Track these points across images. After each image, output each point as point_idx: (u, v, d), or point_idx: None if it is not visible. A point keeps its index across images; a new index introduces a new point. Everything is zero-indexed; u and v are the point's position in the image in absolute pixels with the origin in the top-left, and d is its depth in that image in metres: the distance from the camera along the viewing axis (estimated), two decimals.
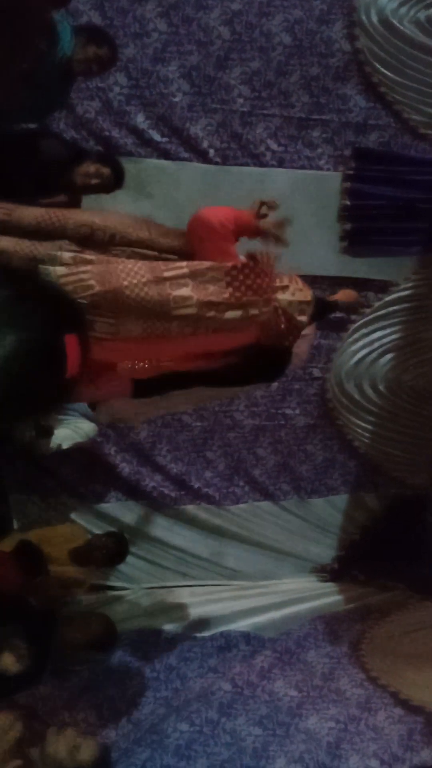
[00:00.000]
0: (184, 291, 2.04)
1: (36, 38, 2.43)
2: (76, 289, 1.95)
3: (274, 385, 3.99)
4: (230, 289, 2.11)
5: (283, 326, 2.21)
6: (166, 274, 2.05)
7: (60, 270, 2.00)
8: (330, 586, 4.43)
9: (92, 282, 1.97)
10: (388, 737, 3.09)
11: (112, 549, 3.39)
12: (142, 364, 2.13)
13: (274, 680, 3.23)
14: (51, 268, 2.00)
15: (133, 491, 4.02)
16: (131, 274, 2.02)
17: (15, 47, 2.04)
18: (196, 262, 2.12)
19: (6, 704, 2.57)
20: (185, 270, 2.07)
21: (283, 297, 2.23)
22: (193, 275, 2.07)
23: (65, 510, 3.90)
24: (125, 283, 2.00)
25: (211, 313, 2.06)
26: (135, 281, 2.01)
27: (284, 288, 2.25)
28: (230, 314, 2.10)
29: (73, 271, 2.00)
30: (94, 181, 3.05)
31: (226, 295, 2.09)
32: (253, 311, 2.13)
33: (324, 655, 3.56)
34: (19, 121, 2.87)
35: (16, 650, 2.58)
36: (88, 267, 2.02)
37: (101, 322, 1.98)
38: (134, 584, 4.08)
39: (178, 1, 3.40)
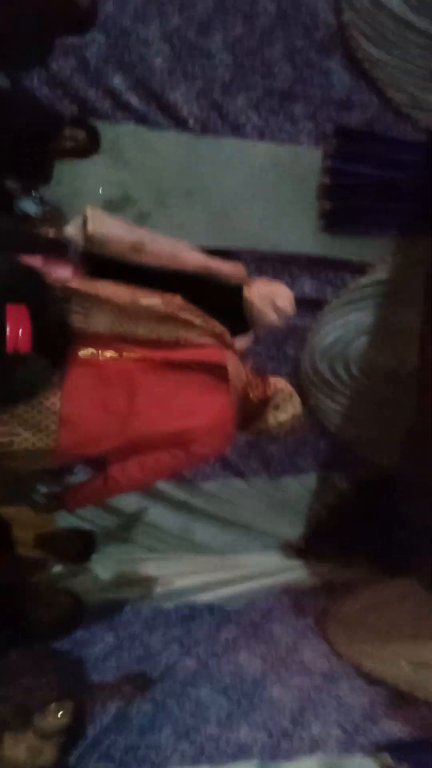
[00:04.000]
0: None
1: None
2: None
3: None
4: (191, 305, 2.20)
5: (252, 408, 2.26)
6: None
7: None
8: (297, 563, 4.46)
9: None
10: (350, 707, 3.15)
11: (79, 547, 3.35)
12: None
13: (238, 651, 3.25)
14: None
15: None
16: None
17: None
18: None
19: None
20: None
21: (273, 421, 2.28)
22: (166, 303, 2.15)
23: (33, 484, 3.84)
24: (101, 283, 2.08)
25: (176, 309, 2.12)
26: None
27: (276, 406, 2.28)
28: (192, 317, 2.15)
29: None
30: (69, 145, 2.98)
31: (190, 306, 2.17)
32: (217, 328, 2.18)
33: (288, 626, 3.60)
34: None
35: None
36: None
37: (72, 315, 2.01)
38: (101, 555, 4.05)
39: None
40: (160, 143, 3.54)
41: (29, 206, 3.21)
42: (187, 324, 2.12)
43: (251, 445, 4.27)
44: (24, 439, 1.85)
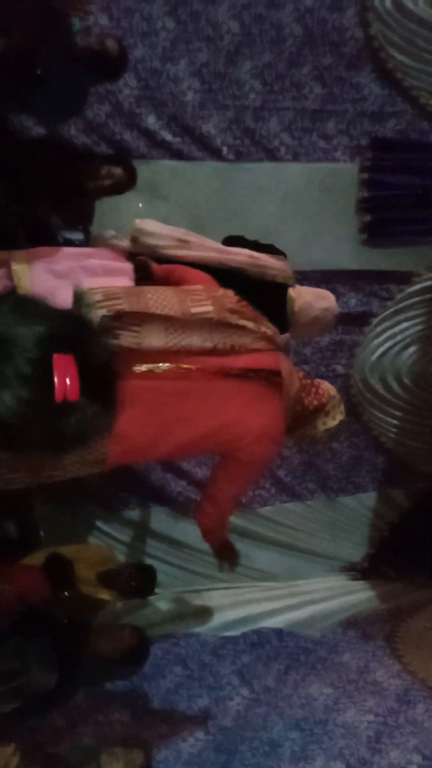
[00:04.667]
0: (200, 295, 2.09)
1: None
2: (105, 294, 2.00)
3: None
4: (240, 304, 2.16)
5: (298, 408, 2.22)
6: (184, 287, 2.14)
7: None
8: (361, 584, 4.38)
9: (118, 289, 2.05)
10: (428, 731, 3.04)
11: (140, 582, 3.35)
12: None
13: (309, 684, 3.18)
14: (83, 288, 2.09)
15: (159, 497, 3.98)
16: (153, 286, 2.10)
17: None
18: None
19: (5, 736, 2.53)
20: (200, 287, 2.16)
21: (322, 427, 2.27)
22: (206, 290, 2.13)
23: (92, 518, 3.88)
24: (147, 288, 2.08)
25: (228, 315, 2.07)
26: (156, 287, 2.09)
27: (327, 413, 2.28)
28: (244, 322, 2.10)
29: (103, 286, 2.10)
30: (107, 182, 3.02)
31: (240, 305, 2.13)
32: (266, 329, 2.13)
33: (358, 650, 3.52)
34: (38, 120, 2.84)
35: (46, 665, 2.55)
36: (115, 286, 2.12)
37: (125, 333, 1.99)
38: (162, 589, 4.05)
39: None
40: (196, 175, 3.55)
41: (75, 236, 3.26)
42: (241, 329, 2.08)
43: (306, 466, 4.22)
44: (74, 453, 1.88)
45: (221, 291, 2.14)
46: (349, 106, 3.71)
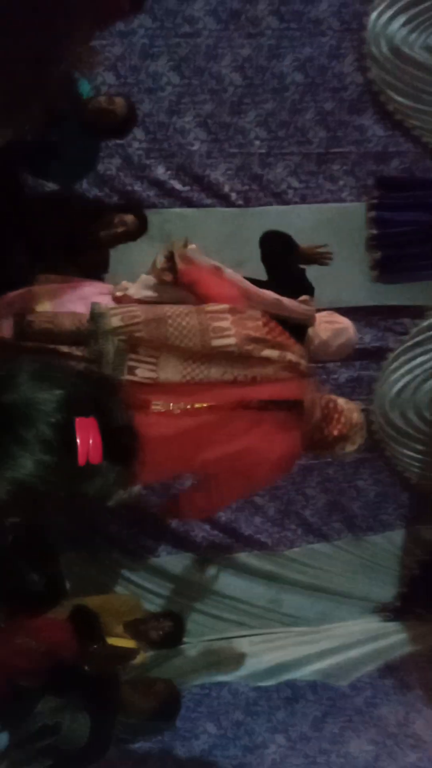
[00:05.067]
0: (224, 323, 2.06)
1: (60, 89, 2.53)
2: (123, 318, 2.00)
3: None
4: (266, 329, 2.13)
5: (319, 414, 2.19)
6: (208, 308, 2.10)
7: (109, 305, 2.10)
8: (394, 626, 4.25)
9: (138, 312, 2.04)
10: None
11: (168, 630, 3.29)
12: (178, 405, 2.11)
13: (348, 741, 3.06)
14: (102, 305, 2.09)
15: (182, 543, 3.93)
16: (174, 307, 2.09)
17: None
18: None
19: None
20: (225, 306, 2.11)
21: (341, 452, 2.26)
22: (232, 311, 2.10)
23: (116, 567, 3.83)
24: (168, 312, 2.06)
25: (250, 347, 2.05)
26: (177, 311, 2.07)
27: (347, 439, 2.24)
28: (268, 352, 2.07)
29: (123, 306, 2.11)
30: (119, 230, 3.09)
31: (265, 331, 2.11)
32: (291, 357, 2.11)
33: (396, 700, 3.39)
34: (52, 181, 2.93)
35: (77, 722, 2.49)
36: (135, 305, 2.13)
37: (142, 366, 2.00)
38: (192, 638, 3.96)
39: (188, 53, 3.45)
40: (206, 221, 3.62)
41: None
42: (264, 360, 2.06)
43: (332, 505, 4.15)
44: None
45: (248, 312, 2.12)
46: (353, 148, 3.79)
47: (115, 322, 2.01)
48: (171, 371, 1.99)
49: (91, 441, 1.00)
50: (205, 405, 2.00)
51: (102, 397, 1.10)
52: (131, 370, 1.98)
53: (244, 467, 2.05)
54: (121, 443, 1.07)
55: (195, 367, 2.02)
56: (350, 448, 2.22)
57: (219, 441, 2.00)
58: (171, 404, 1.97)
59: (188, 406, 1.98)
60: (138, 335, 1.98)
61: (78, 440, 1.00)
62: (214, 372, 2.03)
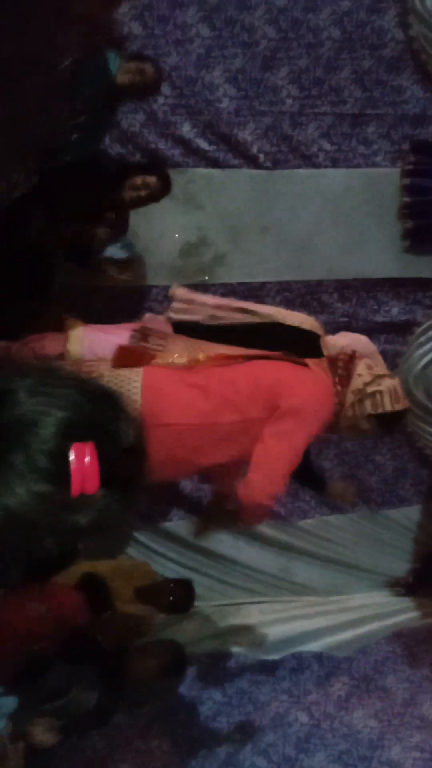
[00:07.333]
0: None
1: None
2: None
3: None
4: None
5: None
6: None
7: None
8: (405, 601, 4.24)
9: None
10: None
11: (178, 597, 3.30)
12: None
13: (352, 710, 3.08)
14: None
15: (196, 508, 3.92)
16: None
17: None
18: None
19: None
20: None
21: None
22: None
23: (129, 529, 3.85)
24: None
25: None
26: None
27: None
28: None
29: None
30: (143, 193, 3.02)
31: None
32: None
33: (404, 679, 3.39)
34: (72, 152, 2.87)
35: (86, 687, 2.53)
36: None
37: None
38: (202, 602, 3.99)
39: (219, 2, 3.28)
40: (232, 183, 3.51)
41: (115, 252, 3.25)
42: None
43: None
44: None
45: None
46: (389, 109, 3.62)
47: None
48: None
49: (87, 471, 0.91)
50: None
51: (105, 416, 1.00)
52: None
53: (268, 392, 2.16)
54: (125, 467, 0.98)
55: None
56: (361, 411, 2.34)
57: (237, 376, 2.23)
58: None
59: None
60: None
61: (71, 472, 0.91)
62: None
